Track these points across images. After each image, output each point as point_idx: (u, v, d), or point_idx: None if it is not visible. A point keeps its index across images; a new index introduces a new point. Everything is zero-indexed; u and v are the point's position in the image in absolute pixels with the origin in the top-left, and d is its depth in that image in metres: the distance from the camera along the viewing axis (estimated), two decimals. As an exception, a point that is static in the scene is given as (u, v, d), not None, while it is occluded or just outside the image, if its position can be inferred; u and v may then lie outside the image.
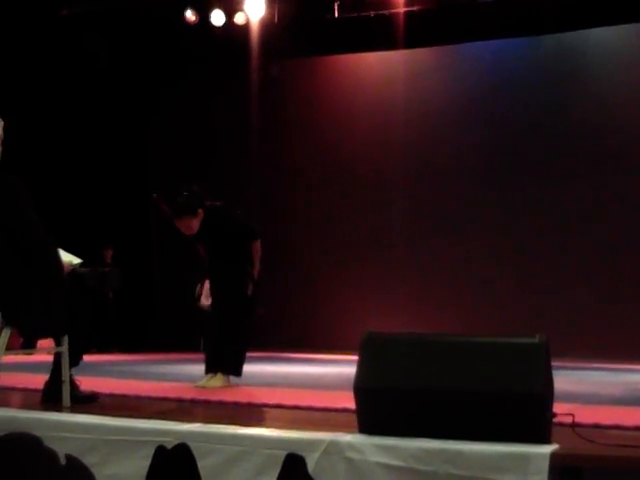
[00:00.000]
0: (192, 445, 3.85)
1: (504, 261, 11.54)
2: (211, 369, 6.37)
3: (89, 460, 4.03)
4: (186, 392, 5.90)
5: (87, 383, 5.35)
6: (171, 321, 12.75)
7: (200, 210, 6.41)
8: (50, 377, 5.07)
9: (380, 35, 11.63)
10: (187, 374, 7.21)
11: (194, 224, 6.41)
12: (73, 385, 5.02)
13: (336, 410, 4.83)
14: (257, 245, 6.55)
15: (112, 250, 12.44)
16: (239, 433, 3.89)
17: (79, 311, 4.98)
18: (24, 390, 5.90)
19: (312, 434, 3.76)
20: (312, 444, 3.66)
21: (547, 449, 3.33)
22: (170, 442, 3.90)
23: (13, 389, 5.98)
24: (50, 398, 4.97)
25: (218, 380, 6.29)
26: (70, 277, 5.01)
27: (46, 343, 5.85)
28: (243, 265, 6.47)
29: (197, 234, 6.53)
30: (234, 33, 11.86)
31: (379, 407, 3.70)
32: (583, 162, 11.25)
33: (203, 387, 6.21)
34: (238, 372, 6.44)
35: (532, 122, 11.60)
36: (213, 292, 6.69)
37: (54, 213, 9.42)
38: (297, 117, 13.00)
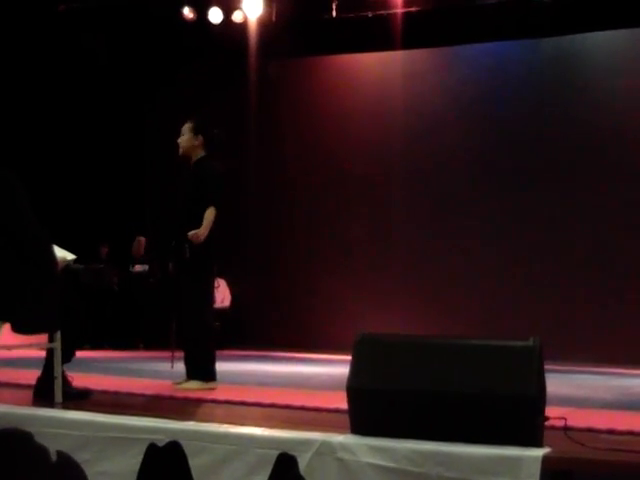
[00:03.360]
0: (184, 443, 3.85)
1: (500, 264, 11.51)
2: (187, 374, 6.17)
3: (80, 457, 4.02)
4: (179, 390, 5.89)
5: (80, 380, 5.34)
6: (166, 318, 12.70)
7: (201, 137, 6.21)
8: (42, 373, 5.06)
9: (378, 35, 11.61)
10: (181, 372, 7.18)
11: (187, 138, 6.20)
12: (65, 381, 5.01)
13: (328, 410, 4.83)
14: (211, 211, 6.09)
15: (107, 247, 12.42)
16: (231, 432, 3.88)
17: (73, 307, 4.96)
18: (16, 386, 5.87)
19: (304, 434, 3.76)
20: (304, 444, 3.66)
21: (539, 452, 3.34)
22: (162, 440, 3.90)
23: (5, 385, 5.96)
24: (42, 394, 4.96)
25: (194, 384, 6.05)
26: (64, 273, 4.99)
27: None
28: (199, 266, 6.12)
29: (181, 185, 6.30)
30: (232, 31, 11.82)
31: (372, 408, 3.70)
32: (582, 164, 11.24)
33: (181, 388, 6.00)
34: (210, 376, 6.13)
35: (530, 124, 11.59)
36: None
37: (50, 209, 9.41)
38: (293, 116, 12.98)
